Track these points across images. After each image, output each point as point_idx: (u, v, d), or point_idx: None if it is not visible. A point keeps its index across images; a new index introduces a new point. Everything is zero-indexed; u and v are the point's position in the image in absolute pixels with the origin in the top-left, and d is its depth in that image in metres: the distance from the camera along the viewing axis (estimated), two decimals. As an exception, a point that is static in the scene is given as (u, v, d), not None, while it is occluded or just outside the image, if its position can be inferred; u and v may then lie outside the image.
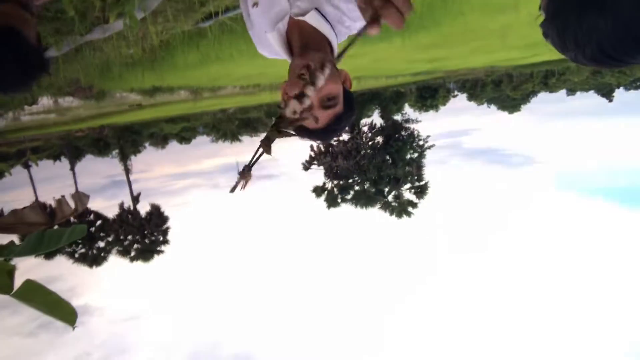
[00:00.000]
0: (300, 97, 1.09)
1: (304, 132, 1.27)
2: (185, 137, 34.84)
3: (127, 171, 28.92)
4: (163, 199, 30.47)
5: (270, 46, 1.48)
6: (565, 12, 0.82)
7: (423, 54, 12.12)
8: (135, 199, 27.42)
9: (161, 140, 33.94)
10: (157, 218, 26.54)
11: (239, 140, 34.14)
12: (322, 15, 1.37)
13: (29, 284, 2.40)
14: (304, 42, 1.34)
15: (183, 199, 32.96)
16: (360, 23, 1.44)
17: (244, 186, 1.00)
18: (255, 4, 1.48)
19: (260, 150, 1.09)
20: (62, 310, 2.45)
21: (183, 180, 37.68)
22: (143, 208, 26.82)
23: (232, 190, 0.94)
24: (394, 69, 16.76)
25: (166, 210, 27.07)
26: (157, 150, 34.82)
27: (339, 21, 1.42)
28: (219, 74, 8.29)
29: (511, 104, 41.02)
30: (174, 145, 35.80)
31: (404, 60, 13.43)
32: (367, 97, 32.64)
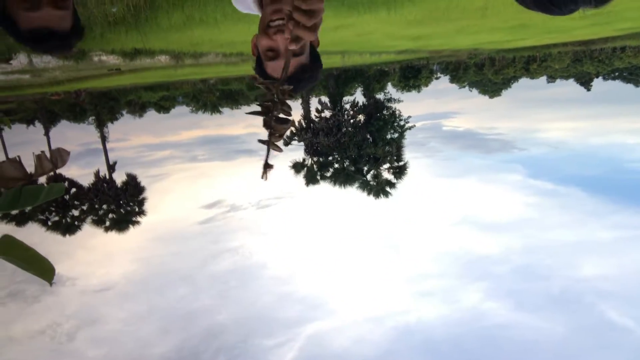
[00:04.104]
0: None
1: (269, 80, 1.26)
2: (164, 107, 34.17)
3: (104, 139, 28.30)
4: (140, 169, 29.98)
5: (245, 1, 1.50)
6: None
7: (407, 30, 12.12)
8: (111, 168, 26.97)
9: (139, 109, 33.19)
10: (134, 188, 26.19)
11: (219, 112, 33.65)
12: None
13: (7, 239, 2.39)
14: None
15: (160, 170, 32.48)
16: None
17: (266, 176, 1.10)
18: None
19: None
20: (40, 266, 2.45)
21: (161, 151, 37.07)
22: (119, 177, 26.42)
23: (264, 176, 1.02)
24: (379, 45, 16.71)
25: (142, 180, 26.74)
26: (134, 119, 34.09)
27: None
28: (202, 38, 8.15)
29: (492, 88, 41.44)
30: (152, 114, 35.09)
31: (389, 36, 13.40)
32: (350, 74, 32.48)
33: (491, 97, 42.79)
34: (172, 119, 36.14)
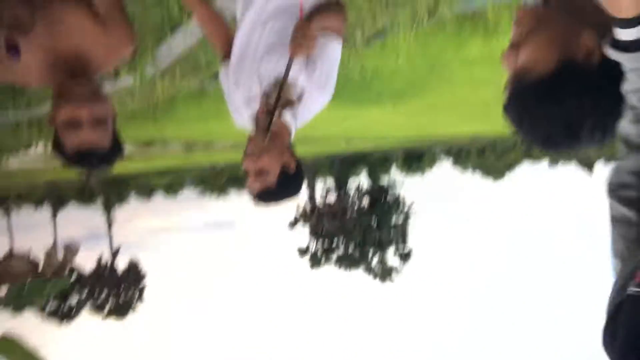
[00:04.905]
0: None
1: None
2: (172, 190, 34.59)
3: (110, 223, 28.42)
4: (144, 252, 29.67)
5: (242, 116, 1.80)
6: (526, 98, 0.96)
7: (411, 120, 12.58)
8: (115, 253, 26.81)
9: (147, 192, 33.61)
10: (135, 275, 25.96)
11: (227, 195, 33.96)
12: None
13: (7, 338, 2.29)
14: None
15: (164, 254, 32.17)
16: (315, 107, 1.80)
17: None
18: (235, 83, 1.80)
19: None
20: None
21: (166, 234, 37.00)
22: (123, 260, 26.19)
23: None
24: (383, 133, 17.25)
25: (146, 264, 26.52)
26: (142, 202, 34.35)
27: (302, 105, 1.71)
28: (217, 129, 8.43)
29: (495, 172, 41.94)
30: (159, 197, 35.36)
31: (393, 126, 13.87)
32: (355, 159, 33.20)
33: (494, 180, 43.14)
34: (179, 202, 36.41)
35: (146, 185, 32.30)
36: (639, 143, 0.89)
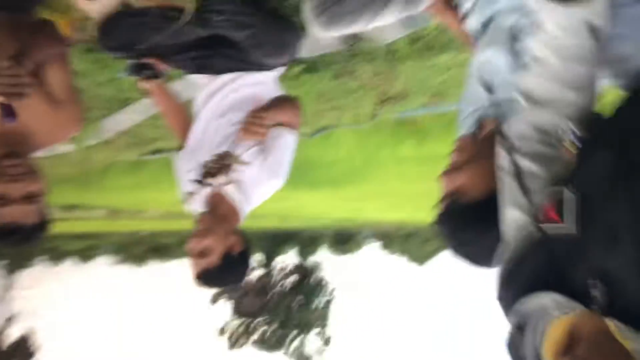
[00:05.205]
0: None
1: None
2: (85, 256, 31.91)
3: (8, 288, 25.51)
4: (42, 323, 26.62)
5: (193, 201, 1.84)
6: (458, 218, 1.10)
7: (345, 203, 12.98)
8: (7, 322, 23.87)
9: (58, 257, 30.71)
10: (25, 349, 23.13)
11: (145, 265, 31.90)
12: (239, 188, 1.75)
13: None
14: (211, 207, 1.73)
15: (67, 326, 29.02)
16: (266, 191, 1.89)
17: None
18: (189, 170, 1.88)
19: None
20: None
21: (71, 305, 33.66)
22: (16, 331, 23.30)
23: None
24: (316, 214, 17.53)
25: (42, 336, 23.76)
26: (49, 267, 31.20)
27: (254, 189, 1.82)
28: (150, 198, 8.16)
29: (421, 256, 43.22)
30: (69, 263, 32.36)
31: (327, 207, 14.18)
32: (285, 237, 33.05)
33: (420, 264, 44.32)
34: (90, 269, 33.52)
35: (58, 250, 29.61)
36: (540, 97, 0.89)
